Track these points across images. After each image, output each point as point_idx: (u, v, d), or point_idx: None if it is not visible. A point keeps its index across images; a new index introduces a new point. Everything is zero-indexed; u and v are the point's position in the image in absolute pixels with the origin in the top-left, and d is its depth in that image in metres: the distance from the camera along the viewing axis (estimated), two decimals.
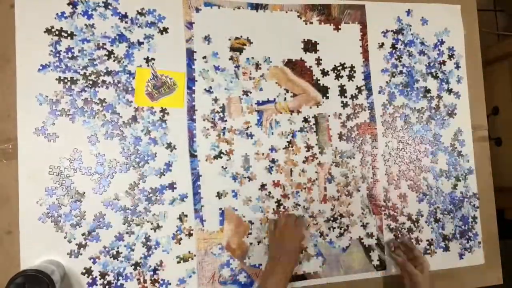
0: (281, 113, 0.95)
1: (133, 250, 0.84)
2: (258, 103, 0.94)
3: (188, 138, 0.90)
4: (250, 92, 0.94)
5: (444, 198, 1.04)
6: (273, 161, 0.94)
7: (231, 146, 0.92)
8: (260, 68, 0.95)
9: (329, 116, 0.98)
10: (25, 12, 0.83)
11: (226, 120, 0.92)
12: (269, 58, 0.96)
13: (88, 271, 0.82)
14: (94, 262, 0.82)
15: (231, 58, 0.94)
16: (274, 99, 0.95)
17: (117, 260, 0.83)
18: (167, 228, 0.86)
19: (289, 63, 0.97)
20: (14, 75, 0.82)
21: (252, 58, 0.95)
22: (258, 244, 0.92)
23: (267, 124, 0.94)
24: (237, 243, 0.91)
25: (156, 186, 0.87)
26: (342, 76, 1.00)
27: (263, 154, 0.93)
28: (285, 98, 0.96)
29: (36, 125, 0.82)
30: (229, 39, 0.94)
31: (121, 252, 0.84)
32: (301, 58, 0.98)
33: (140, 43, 0.88)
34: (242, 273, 0.90)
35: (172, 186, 0.88)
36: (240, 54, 0.94)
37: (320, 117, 0.98)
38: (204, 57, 0.92)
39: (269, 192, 0.93)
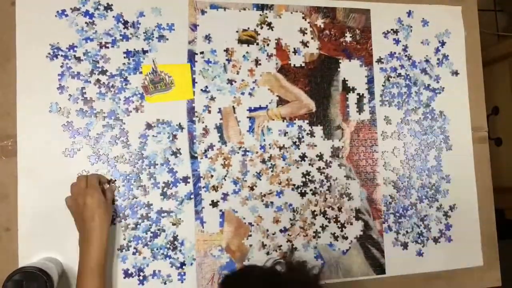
0: (273, 119, 0.95)
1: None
2: (250, 110, 0.94)
3: (188, 139, 0.89)
4: (235, 81, 0.93)
5: (444, 198, 1.04)
6: (263, 161, 0.93)
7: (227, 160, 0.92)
8: (260, 65, 0.94)
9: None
10: (26, 10, 0.83)
11: (226, 144, 0.91)
12: (270, 57, 0.95)
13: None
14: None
15: (226, 50, 0.93)
16: (266, 105, 0.95)
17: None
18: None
19: (282, 70, 0.96)
20: (14, 73, 0.82)
21: (250, 56, 0.94)
22: (259, 250, 0.91)
23: (259, 131, 0.94)
24: (237, 245, 0.90)
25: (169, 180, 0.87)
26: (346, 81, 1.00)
27: (257, 152, 0.93)
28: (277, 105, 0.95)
29: (36, 123, 0.82)
30: (237, 31, 0.94)
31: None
32: (301, 64, 0.98)
33: (141, 43, 0.88)
34: None
35: (185, 180, 0.88)
36: (248, 46, 0.94)
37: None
38: (202, 52, 0.92)
39: (261, 194, 0.93)
